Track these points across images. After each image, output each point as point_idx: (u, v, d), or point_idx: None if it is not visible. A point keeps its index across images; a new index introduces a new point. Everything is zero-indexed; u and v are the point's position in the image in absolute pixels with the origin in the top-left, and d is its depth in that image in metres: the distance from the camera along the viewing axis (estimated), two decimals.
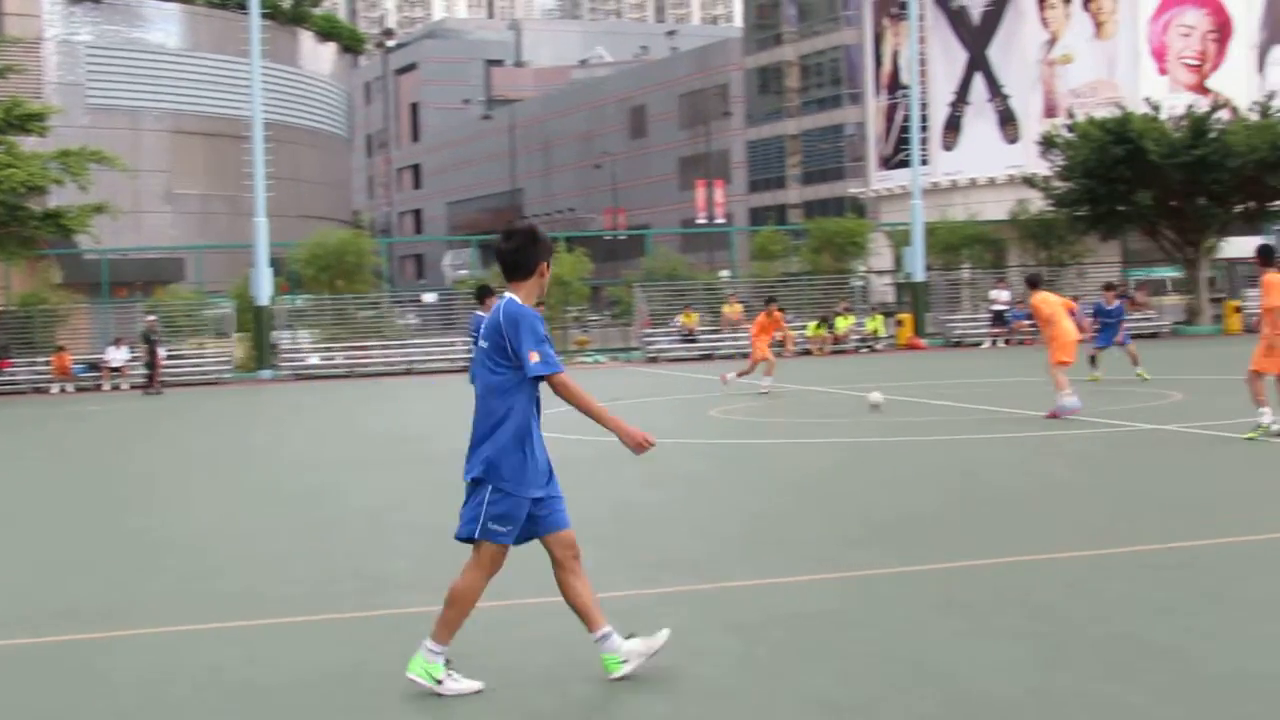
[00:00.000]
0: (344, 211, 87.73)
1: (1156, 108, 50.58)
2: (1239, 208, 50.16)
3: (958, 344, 48.22)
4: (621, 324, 52.81)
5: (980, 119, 70.38)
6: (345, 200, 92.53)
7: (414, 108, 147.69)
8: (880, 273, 56.74)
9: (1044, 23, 69.23)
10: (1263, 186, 48.49)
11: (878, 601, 8.97)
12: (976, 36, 70.66)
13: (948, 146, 71.20)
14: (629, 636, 7.41)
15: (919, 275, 49.22)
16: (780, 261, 53.82)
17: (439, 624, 7.17)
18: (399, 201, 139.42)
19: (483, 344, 7.13)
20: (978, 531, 11.57)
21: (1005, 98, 69.66)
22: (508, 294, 7.18)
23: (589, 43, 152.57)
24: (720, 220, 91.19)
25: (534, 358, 6.92)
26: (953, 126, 71.28)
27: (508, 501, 6.99)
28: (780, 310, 31.83)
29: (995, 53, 70.08)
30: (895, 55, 74.66)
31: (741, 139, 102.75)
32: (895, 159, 72.35)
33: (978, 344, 47.59)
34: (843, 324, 47.24)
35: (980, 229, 54.62)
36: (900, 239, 52.57)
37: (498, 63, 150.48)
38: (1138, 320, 47.32)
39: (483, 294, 19.29)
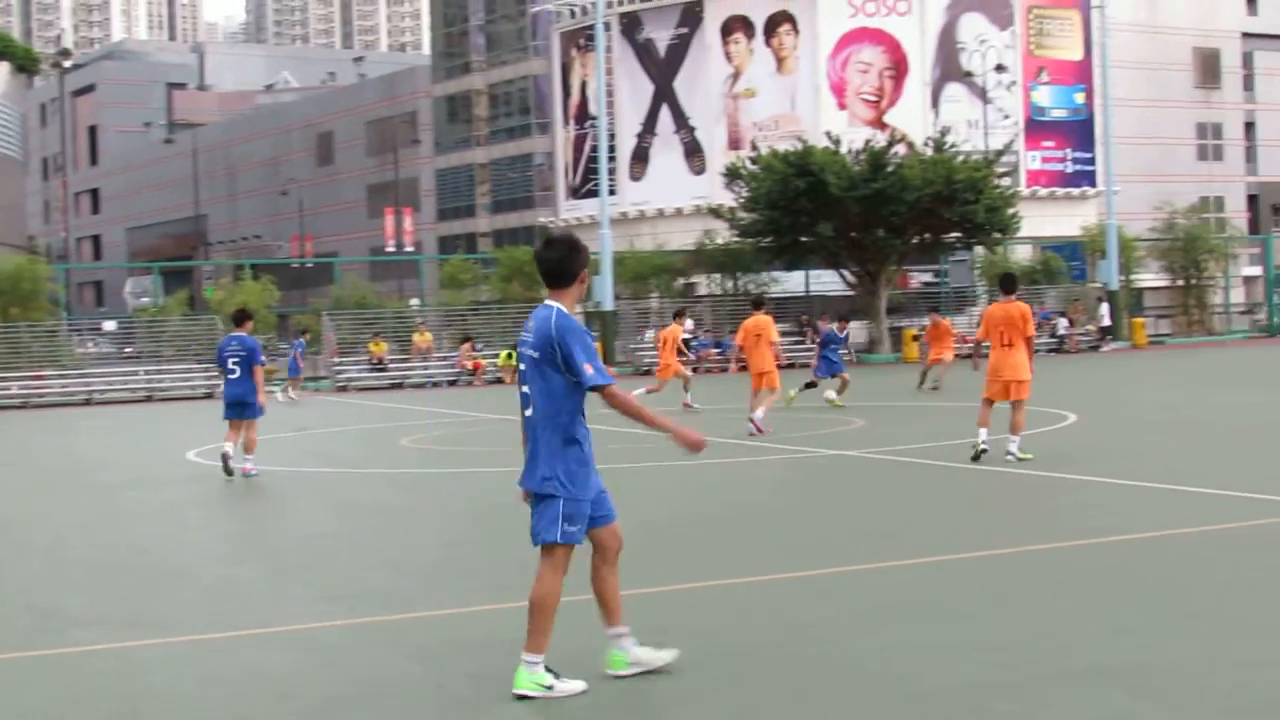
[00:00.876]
0: (18, 236, 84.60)
1: (836, 141, 52.01)
2: (915, 239, 51.89)
3: (647, 372, 48.69)
4: (310, 353, 51.99)
5: (667, 150, 71.54)
6: (19, 225, 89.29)
7: (92, 130, 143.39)
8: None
9: (728, 57, 70.78)
10: (937, 219, 50.27)
11: (564, 629, 8.96)
12: (663, 69, 71.85)
13: (635, 177, 72.16)
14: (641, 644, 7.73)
15: (608, 304, 49.65)
16: (470, 290, 53.76)
17: (531, 635, 7.40)
18: (76, 226, 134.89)
19: (532, 354, 7.41)
20: (665, 558, 11.63)
21: (691, 130, 70.97)
22: (552, 303, 7.48)
23: (274, 68, 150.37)
24: (409, 248, 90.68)
25: (589, 369, 7.29)
26: (640, 157, 72.28)
27: (575, 505, 7.36)
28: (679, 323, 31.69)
29: (681, 85, 71.37)
30: (584, 86, 75.38)
31: (430, 167, 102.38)
32: (584, 189, 73.03)
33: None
34: None
35: (668, 259, 55.46)
36: (592, 268, 53.02)
37: (180, 86, 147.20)
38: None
39: (240, 318, 19.38)
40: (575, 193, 75.92)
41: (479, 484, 18.10)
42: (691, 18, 71.20)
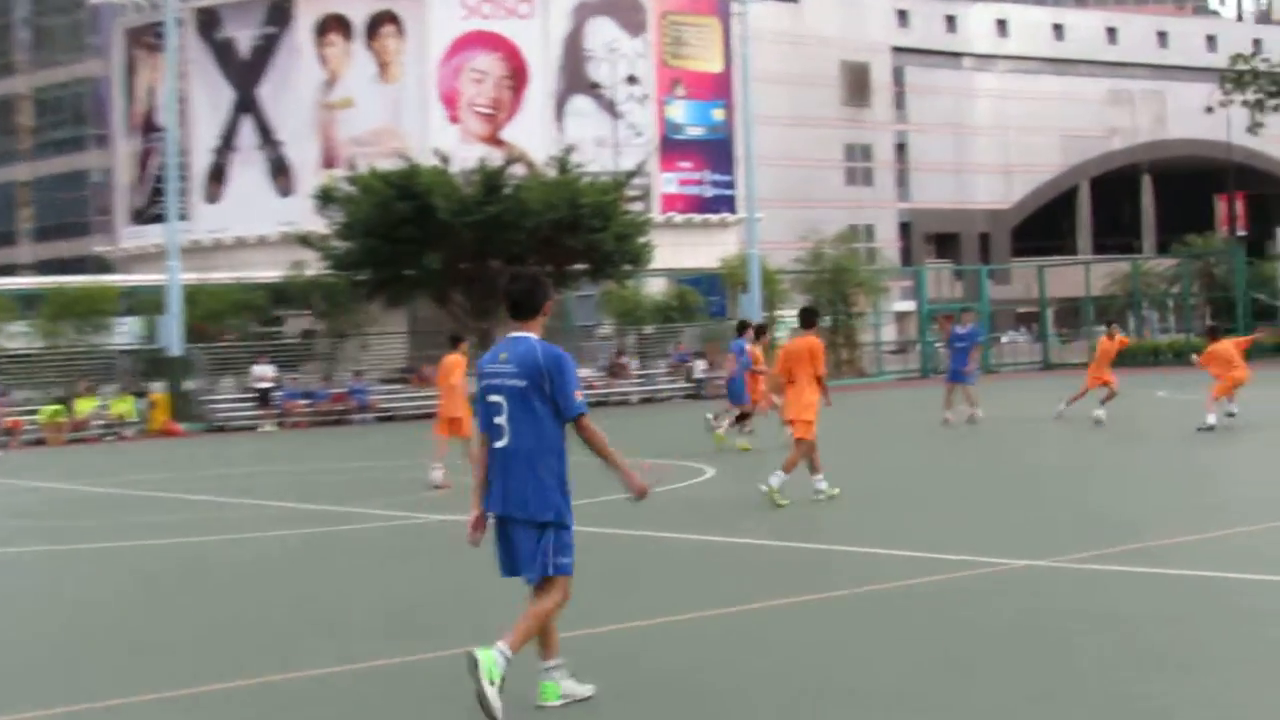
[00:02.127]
0: None
1: (446, 160, 51.83)
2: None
3: (221, 428, 47.52)
4: None
5: (249, 168, 70.41)
6: None
7: None
8: (129, 347, 55.26)
9: (322, 61, 70.14)
10: (561, 248, 50.35)
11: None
12: (245, 74, 70.74)
13: (212, 199, 70.82)
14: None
15: (176, 349, 48.27)
16: (6, 334, 51.55)
17: (546, 646, 8.56)
18: None
19: (518, 384, 8.31)
20: (218, 651, 11.11)
21: (278, 144, 70.00)
22: (527, 334, 8.49)
23: None
24: None
25: (578, 396, 8.36)
26: (217, 176, 70.97)
27: (566, 534, 8.40)
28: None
29: (267, 93, 70.37)
30: (151, 92, 73.70)
31: None
32: (150, 212, 71.30)
33: (251, 427, 46.96)
34: (85, 406, 45.66)
35: (249, 294, 54.19)
36: (157, 306, 51.44)
37: None
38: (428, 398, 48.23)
39: None
40: (139, 216, 74.15)
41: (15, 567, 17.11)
42: (280, 16, 70.35)
